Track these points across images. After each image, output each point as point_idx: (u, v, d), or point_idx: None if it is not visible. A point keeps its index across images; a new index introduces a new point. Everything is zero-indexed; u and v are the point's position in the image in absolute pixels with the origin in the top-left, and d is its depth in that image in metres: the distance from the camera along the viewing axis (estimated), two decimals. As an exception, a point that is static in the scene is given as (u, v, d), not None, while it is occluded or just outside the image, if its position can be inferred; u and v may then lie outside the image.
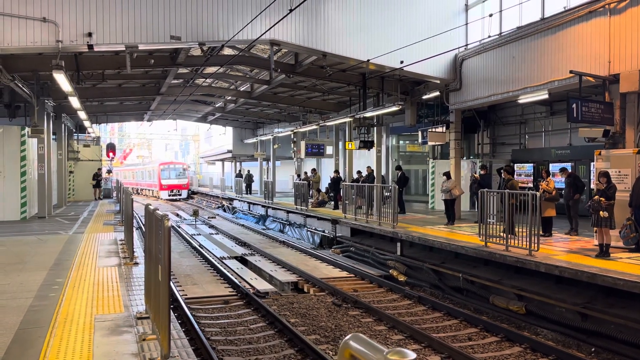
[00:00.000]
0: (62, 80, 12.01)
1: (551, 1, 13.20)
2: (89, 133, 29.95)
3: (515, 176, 13.19)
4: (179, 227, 22.01)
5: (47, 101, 17.45)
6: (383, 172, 22.49)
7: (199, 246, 16.35)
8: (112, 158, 35.01)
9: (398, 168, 19.28)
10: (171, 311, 5.07)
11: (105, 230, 13.86)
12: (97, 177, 29.03)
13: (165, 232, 4.01)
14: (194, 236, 19.02)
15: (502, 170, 13.52)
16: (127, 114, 30.25)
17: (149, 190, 47.49)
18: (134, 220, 14.41)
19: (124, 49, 11.54)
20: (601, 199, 8.80)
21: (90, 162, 29.25)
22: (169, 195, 42.04)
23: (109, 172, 38.78)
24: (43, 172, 17.60)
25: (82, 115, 19.52)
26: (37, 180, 17.70)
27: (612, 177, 9.44)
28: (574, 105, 10.53)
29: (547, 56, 12.47)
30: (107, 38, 11.01)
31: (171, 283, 9.74)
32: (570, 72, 11.08)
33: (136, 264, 8.80)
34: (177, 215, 28.84)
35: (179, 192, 42.76)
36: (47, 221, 16.33)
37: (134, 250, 9.51)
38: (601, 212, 8.72)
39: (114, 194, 29.74)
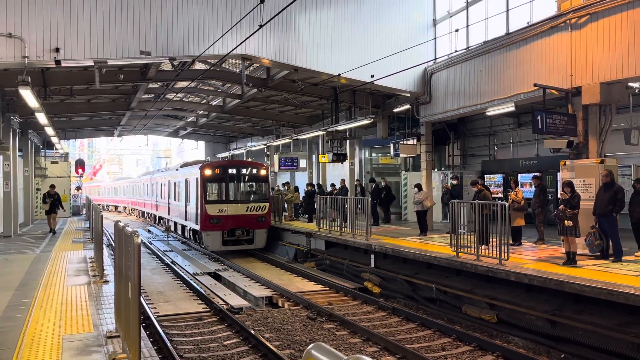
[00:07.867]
0: (28, 96, 11.79)
1: (515, 17, 13.63)
2: (57, 149, 29.25)
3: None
4: (151, 243, 21.63)
5: (12, 117, 17.08)
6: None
7: (172, 262, 16.11)
8: (81, 174, 34.22)
9: (372, 180, 19.45)
10: (142, 329, 4.99)
11: (74, 248, 13.56)
12: (50, 196, 18.45)
13: (135, 248, 3.98)
14: (166, 253, 18.74)
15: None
16: (96, 129, 29.83)
17: (171, 221, 23.65)
18: (105, 237, 14.15)
19: (93, 64, 11.42)
20: (566, 208, 9.05)
21: (59, 178, 28.49)
22: (228, 243, 17.51)
23: (78, 188, 37.87)
24: (9, 190, 17.16)
25: (49, 131, 19.14)
26: (3, 198, 17.24)
27: (577, 186, 9.73)
28: (539, 117, 10.82)
29: (512, 70, 12.83)
30: (75, 53, 10.88)
31: (143, 300, 9.57)
32: (535, 85, 11.41)
33: (106, 282, 8.65)
34: (149, 231, 28.38)
35: (248, 232, 17.73)
36: (12, 240, 15.89)
37: (104, 268, 9.34)
38: (566, 221, 8.98)
39: (83, 211, 28.99)
